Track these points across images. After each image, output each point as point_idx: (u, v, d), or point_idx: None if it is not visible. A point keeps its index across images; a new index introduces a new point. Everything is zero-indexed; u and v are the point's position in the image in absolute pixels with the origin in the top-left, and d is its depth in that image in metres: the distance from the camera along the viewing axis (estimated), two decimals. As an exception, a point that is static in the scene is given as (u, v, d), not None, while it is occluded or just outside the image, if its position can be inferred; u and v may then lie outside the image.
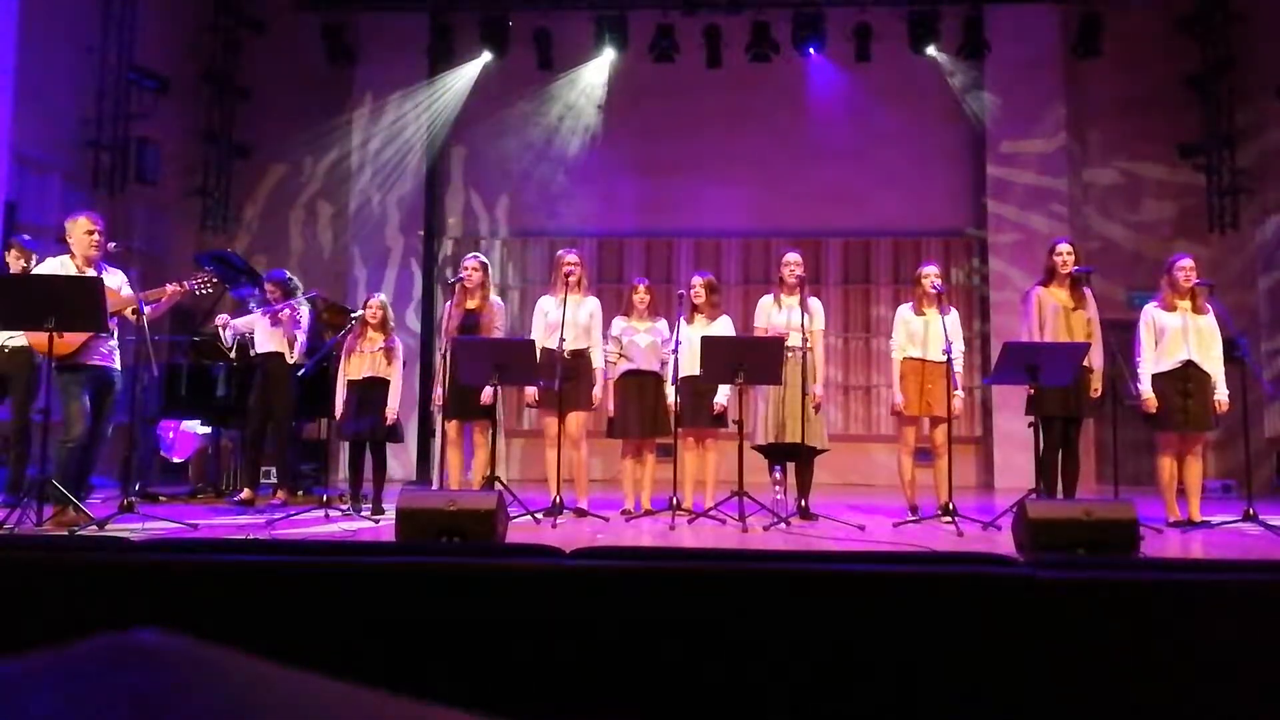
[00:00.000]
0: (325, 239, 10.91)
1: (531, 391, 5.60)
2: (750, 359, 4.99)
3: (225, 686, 0.45)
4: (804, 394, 5.30)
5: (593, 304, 5.72)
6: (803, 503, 5.40)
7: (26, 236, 6.06)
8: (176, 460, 7.45)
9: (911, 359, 5.52)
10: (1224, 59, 9.70)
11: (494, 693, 1.57)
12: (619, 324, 5.75)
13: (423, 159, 10.58)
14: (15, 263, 5.63)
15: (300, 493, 6.46)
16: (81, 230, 4.79)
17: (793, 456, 5.55)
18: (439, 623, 1.63)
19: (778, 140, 10.36)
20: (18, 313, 4.43)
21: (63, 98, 8.59)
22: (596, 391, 5.59)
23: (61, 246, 5.07)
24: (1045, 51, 10.08)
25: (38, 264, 5.35)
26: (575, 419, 5.58)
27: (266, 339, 6.02)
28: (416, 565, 1.76)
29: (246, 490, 5.98)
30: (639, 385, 5.62)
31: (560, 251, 5.95)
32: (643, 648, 1.60)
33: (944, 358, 5.33)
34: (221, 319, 6.15)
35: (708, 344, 5.08)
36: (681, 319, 5.55)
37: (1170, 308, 5.28)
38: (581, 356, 5.59)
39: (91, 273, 4.71)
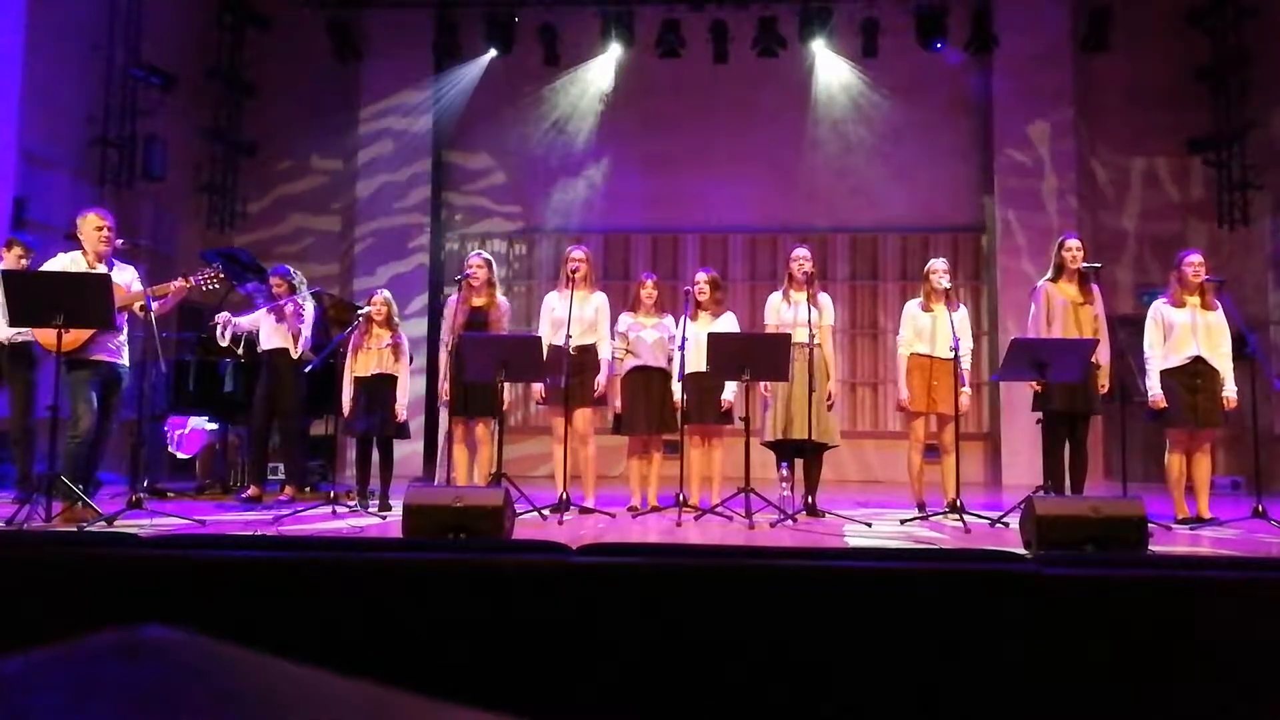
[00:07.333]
0: (331, 235, 10.93)
1: (539, 388, 5.61)
2: (757, 356, 4.98)
3: (232, 682, 0.45)
4: (811, 390, 5.29)
5: (599, 299, 5.73)
6: (810, 499, 5.39)
7: (27, 235, 6.06)
8: (184, 456, 7.46)
9: (919, 355, 5.50)
10: (1234, 52, 9.64)
11: (500, 688, 1.57)
12: (625, 320, 5.74)
13: (429, 155, 10.59)
14: (16, 261, 5.62)
15: (307, 489, 6.47)
16: (91, 226, 4.81)
17: (801, 453, 5.54)
18: (446, 618, 1.63)
19: (784, 136, 10.34)
20: (27, 309, 4.45)
21: (69, 95, 8.61)
22: (600, 379, 5.58)
23: (69, 243, 5.08)
24: (1054, 45, 10.03)
25: (37, 261, 5.35)
26: (582, 415, 5.58)
27: (272, 335, 6.03)
28: (423, 561, 1.76)
29: (253, 487, 5.99)
30: (645, 381, 5.61)
31: (568, 248, 5.96)
32: (649, 643, 1.60)
33: (951, 354, 5.31)
34: (222, 316, 6.10)
35: (714, 341, 5.06)
36: (686, 315, 5.54)
37: (1179, 304, 5.24)
38: (588, 352, 5.59)
39: (102, 268, 4.73)
